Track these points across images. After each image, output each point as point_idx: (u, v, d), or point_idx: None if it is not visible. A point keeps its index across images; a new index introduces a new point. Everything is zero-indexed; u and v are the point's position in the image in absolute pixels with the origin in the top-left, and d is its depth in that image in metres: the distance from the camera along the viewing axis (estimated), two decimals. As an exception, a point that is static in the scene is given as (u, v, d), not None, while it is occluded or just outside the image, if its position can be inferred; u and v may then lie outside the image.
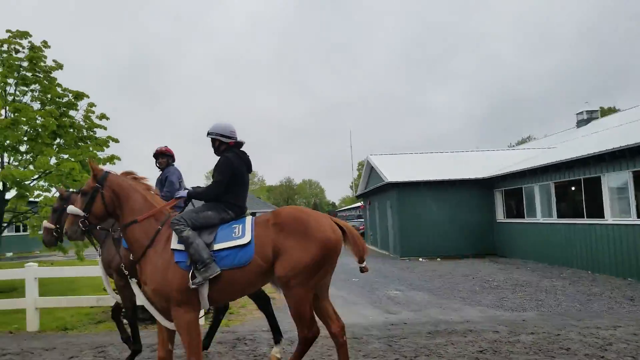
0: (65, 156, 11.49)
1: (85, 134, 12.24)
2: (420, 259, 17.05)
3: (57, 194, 5.58)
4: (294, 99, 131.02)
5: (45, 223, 5.33)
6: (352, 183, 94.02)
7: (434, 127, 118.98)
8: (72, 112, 12.15)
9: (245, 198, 4.15)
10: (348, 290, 10.36)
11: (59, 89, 11.98)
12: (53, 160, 11.11)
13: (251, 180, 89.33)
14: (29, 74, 11.85)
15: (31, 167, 11.29)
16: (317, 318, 4.02)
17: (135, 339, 5.16)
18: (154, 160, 5.85)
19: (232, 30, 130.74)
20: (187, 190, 4.14)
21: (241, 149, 4.29)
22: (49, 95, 11.86)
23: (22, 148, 11.33)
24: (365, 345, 5.71)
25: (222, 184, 3.98)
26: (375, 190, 21.31)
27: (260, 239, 3.64)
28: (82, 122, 12.21)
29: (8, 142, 10.76)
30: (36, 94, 12.06)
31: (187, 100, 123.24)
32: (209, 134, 4.20)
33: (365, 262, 3.91)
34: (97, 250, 5.22)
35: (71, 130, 11.81)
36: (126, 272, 4.11)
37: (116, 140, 12.42)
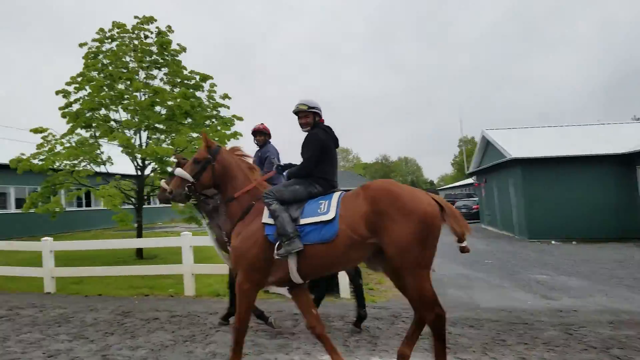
0: (195, 135, 12.05)
1: (209, 113, 12.71)
2: (553, 242, 15.58)
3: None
4: (389, 75, 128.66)
5: (162, 183, 5.73)
6: (453, 160, 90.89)
7: (544, 100, 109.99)
8: (198, 93, 12.59)
9: (334, 173, 4.14)
10: (486, 272, 9.68)
11: (185, 72, 12.54)
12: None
13: (346, 158, 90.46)
14: (159, 58, 12.53)
15: (164, 145, 12.00)
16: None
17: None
18: (252, 138, 5.97)
19: (324, 6, 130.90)
20: (285, 172, 4.30)
21: (327, 125, 4.31)
22: (177, 78, 12.46)
23: (158, 127, 12.02)
24: (541, 332, 5.12)
25: (312, 160, 4.03)
26: (493, 167, 19.92)
27: (350, 213, 3.55)
28: (206, 102, 12.69)
29: (148, 122, 11.47)
30: (166, 77, 12.69)
31: (280, 80, 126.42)
32: (312, 108, 4.21)
33: (466, 242, 3.54)
34: (203, 219, 5.40)
35: (199, 109, 12.32)
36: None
37: (240, 119, 12.76)
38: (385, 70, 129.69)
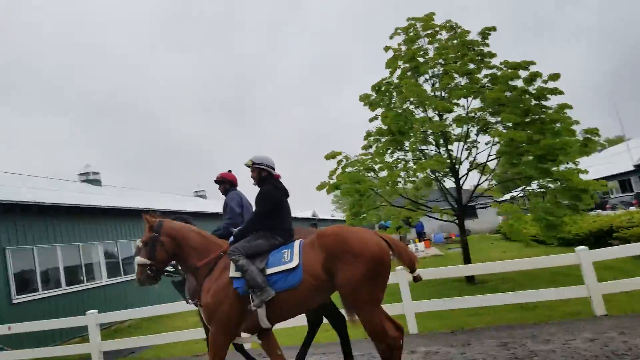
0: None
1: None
2: None
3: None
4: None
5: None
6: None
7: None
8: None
9: (290, 222, 4.39)
10: None
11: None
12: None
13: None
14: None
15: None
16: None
17: None
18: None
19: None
20: (232, 237, 4.34)
21: (277, 180, 4.51)
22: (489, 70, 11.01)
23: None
24: None
25: (261, 215, 4.26)
26: None
27: (309, 260, 3.85)
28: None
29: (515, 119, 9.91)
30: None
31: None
32: (257, 164, 4.41)
33: (417, 272, 3.92)
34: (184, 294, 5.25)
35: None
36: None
37: (570, 107, 10.82)
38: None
